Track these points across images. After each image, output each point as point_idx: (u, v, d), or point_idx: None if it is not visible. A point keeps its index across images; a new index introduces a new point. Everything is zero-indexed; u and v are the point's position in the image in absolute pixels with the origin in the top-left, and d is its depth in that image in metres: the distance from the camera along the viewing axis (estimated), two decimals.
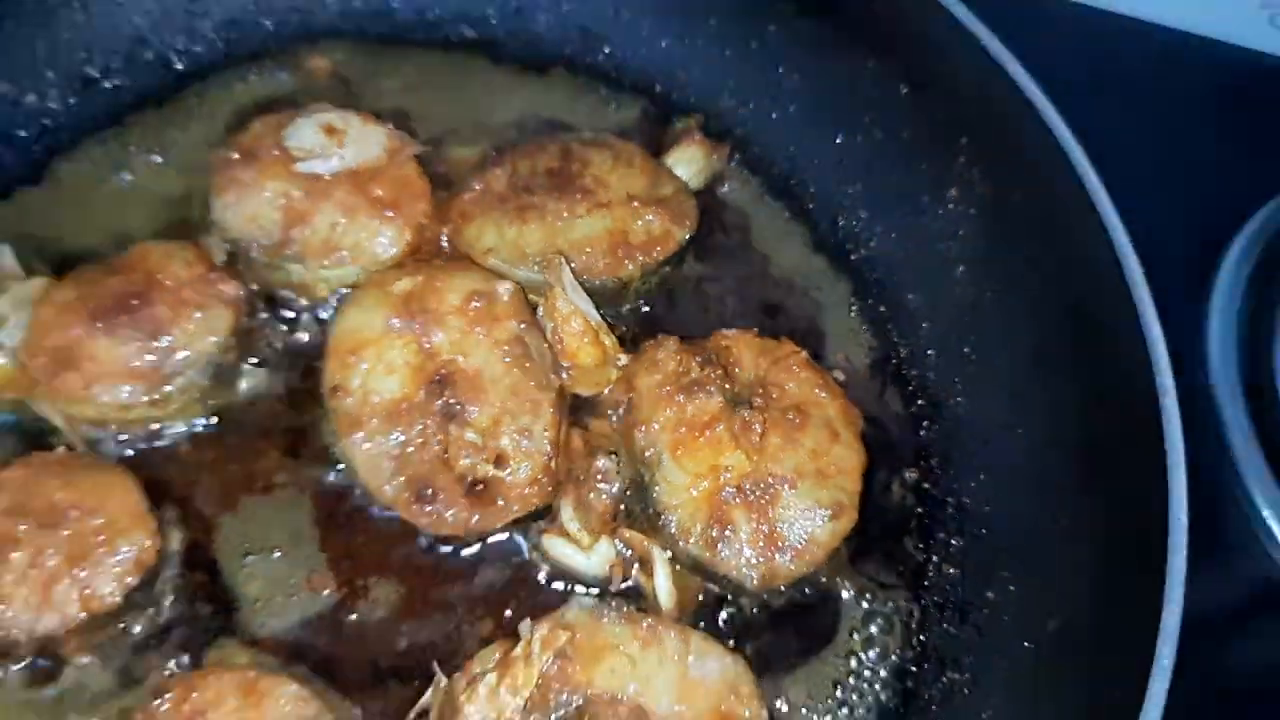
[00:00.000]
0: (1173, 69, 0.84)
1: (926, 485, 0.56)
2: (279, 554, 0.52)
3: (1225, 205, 0.77)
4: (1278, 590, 0.69)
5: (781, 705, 0.49)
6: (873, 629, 0.52)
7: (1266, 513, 0.66)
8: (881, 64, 0.60)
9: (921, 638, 0.52)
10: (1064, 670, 0.44)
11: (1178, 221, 0.77)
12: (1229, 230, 0.78)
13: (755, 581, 0.49)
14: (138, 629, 0.49)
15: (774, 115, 0.64)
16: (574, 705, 0.45)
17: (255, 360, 0.55)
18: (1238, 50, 0.84)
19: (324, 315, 0.56)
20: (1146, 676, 0.40)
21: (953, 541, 0.53)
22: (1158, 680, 0.40)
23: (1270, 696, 0.68)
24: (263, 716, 0.45)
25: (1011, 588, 0.49)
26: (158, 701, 0.46)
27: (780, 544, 0.49)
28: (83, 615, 0.47)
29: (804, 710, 0.50)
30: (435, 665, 0.47)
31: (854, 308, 0.61)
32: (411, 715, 0.47)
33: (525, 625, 0.46)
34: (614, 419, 0.53)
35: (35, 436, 0.54)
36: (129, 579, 0.47)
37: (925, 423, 0.57)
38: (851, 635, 0.52)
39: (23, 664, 0.48)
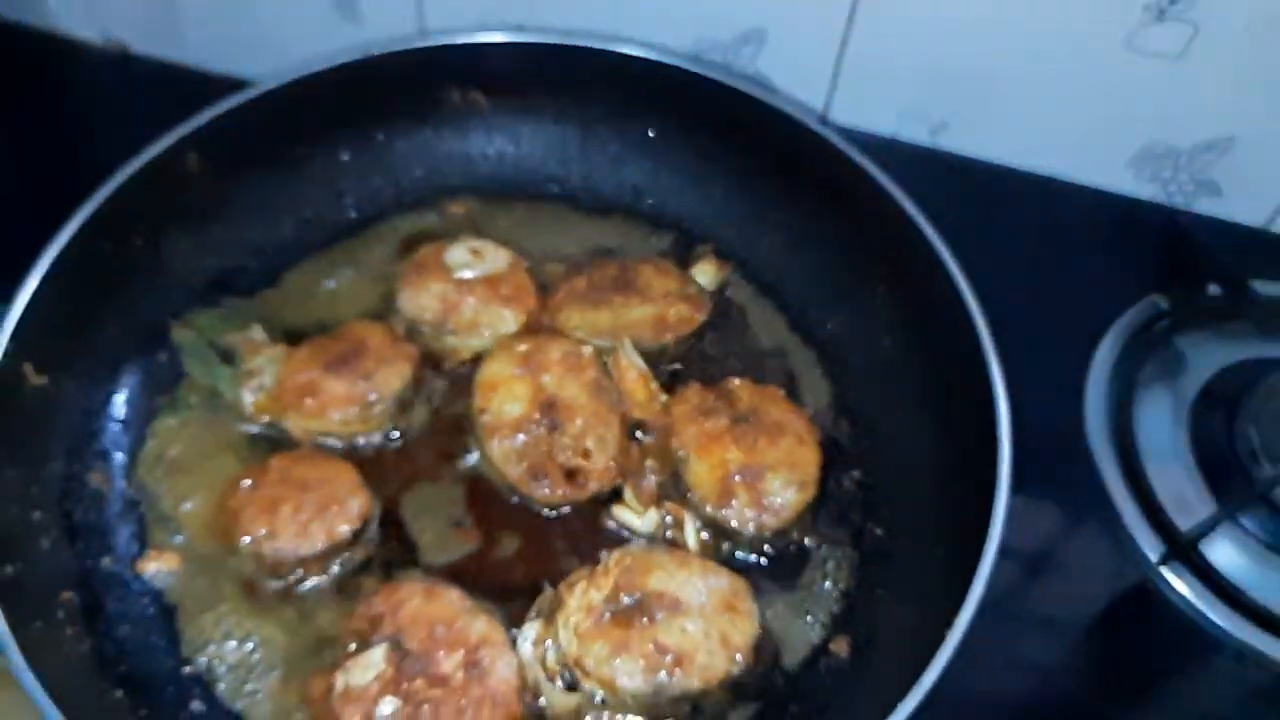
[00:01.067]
0: (1052, 209, 1.07)
1: (865, 479, 0.82)
2: (442, 517, 0.78)
3: (1099, 310, 0.98)
4: (1144, 596, 0.85)
5: (767, 615, 0.74)
6: (828, 567, 0.78)
7: (1139, 539, 0.85)
8: (831, 209, 0.89)
9: (860, 572, 0.77)
10: (949, 576, 0.69)
11: (1062, 324, 0.97)
12: (1101, 329, 0.97)
13: (751, 532, 0.76)
14: (350, 561, 0.75)
15: (764, 242, 0.94)
16: (635, 598, 0.71)
17: (424, 396, 0.84)
18: (1103, 193, 1.07)
19: (466, 370, 0.85)
20: (970, 581, 0.66)
21: (880, 512, 0.80)
22: (976, 584, 0.66)
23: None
24: (438, 608, 0.70)
25: (914, 537, 0.76)
26: (369, 601, 0.72)
27: (766, 507, 0.76)
28: (324, 545, 0.73)
29: (782, 619, 0.75)
30: (545, 583, 0.74)
31: (818, 367, 0.88)
32: (531, 613, 0.73)
33: (604, 553, 0.74)
34: (656, 433, 0.81)
35: (279, 441, 0.81)
36: (355, 523, 0.74)
37: (864, 440, 0.84)
38: (814, 572, 0.77)
39: (288, 578, 0.74)
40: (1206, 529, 0.83)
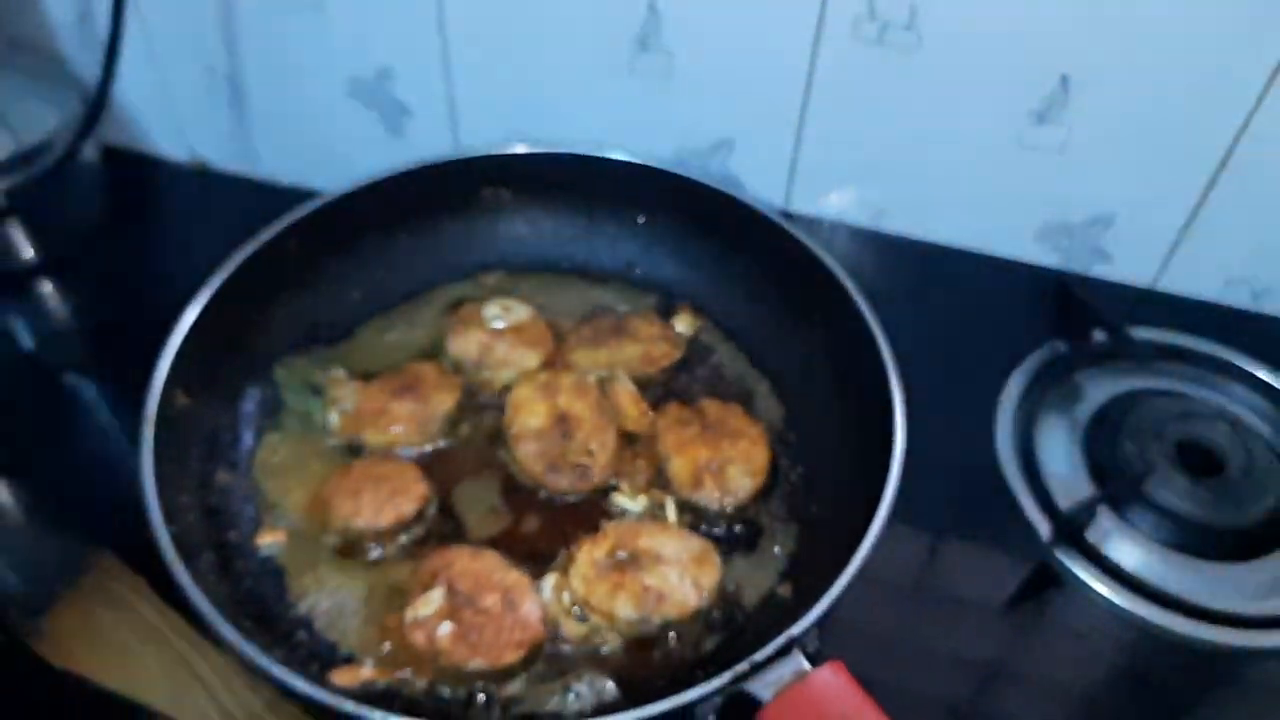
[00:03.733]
0: (972, 275, 1.27)
1: (806, 472, 1.01)
2: (483, 504, 1.00)
3: (1009, 353, 1.18)
4: (1044, 576, 1.02)
5: (730, 570, 0.94)
6: (777, 536, 0.96)
7: (1039, 531, 1.03)
8: (783, 276, 1.11)
9: (801, 540, 0.98)
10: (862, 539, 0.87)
11: (978, 364, 1.17)
12: (1010, 368, 1.16)
13: (717, 510, 0.98)
14: (414, 535, 0.97)
15: (731, 300, 1.14)
16: (628, 553, 0.92)
17: (468, 415, 1.06)
18: (1014, 262, 1.28)
19: (499, 396, 1.07)
20: (866, 532, 0.87)
21: (818, 496, 0.99)
22: (871, 532, 0.86)
23: None
24: (481, 564, 0.90)
25: (842, 513, 0.91)
26: (429, 560, 0.93)
27: (728, 490, 0.98)
28: (394, 522, 0.95)
29: (742, 573, 0.94)
30: (561, 549, 0.96)
31: (772, 393, 1.10)
32: (550, 568, 0.94)
33: (604, 524, 0.97)
34: (644, 440, 1.04)
35: (356, 450, 1.03)
36: (417, 505, 0.96)
37: (806, 444, 1.03)
38: (766, 540, 0.98)
39: (368, 547, 0.96)
40: (1085, 509, 1.02)
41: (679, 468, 1.02)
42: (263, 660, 0.82)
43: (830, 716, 0.76)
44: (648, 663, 0.91)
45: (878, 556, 0.88)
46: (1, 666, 0.92)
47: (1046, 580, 1.04)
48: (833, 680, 0.79)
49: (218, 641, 0.88)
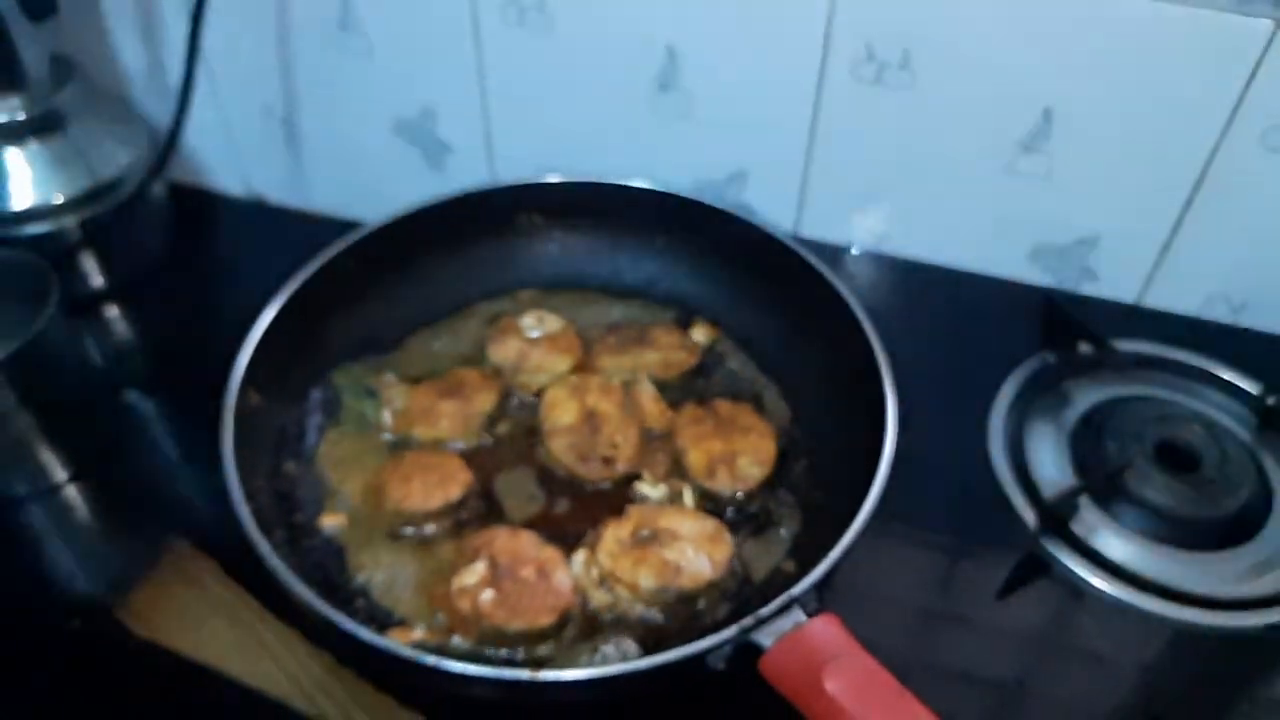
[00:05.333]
0: (969, 294, 1.37)
1: (810, 464, 1.12)
2: (521, 491, 1.11)
3: (1002, 364, 1.27)
4: (1033, 564, 1.10)
5: (740, 550, 1.04)
6: (783, 521, 1.07)
7: (1028, 523, 1.11)
8: (791, 293, 1.20)
9: (805, 524, 1.07)
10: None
11: (973, 374, 1.26)
12: (1003, 378, 1.25)
13: (728, 496, 1.10)
14: (459, 517, 1.08)
15: (743, 313, 1.27)
16: (649, 532, 1.01)
17: (507, 414, 1.19)
18: (1008, 281, 1.38)
19: (534, 397, 1.19)
20: (855, 516, 0.97)
21: (820, 485, 1.05)
22: (861, 515, 0.96)
23: None
24: (519, 542, 1.00)
25: (842, 501, 0.98)
26: (472, 539, 1.04)
27: (738, 478, 1.09)
28: (441, 505, 1.05)
29: (751, 553, 1.05)
30: (589, 530, 1.08)
31: (780, 396, 1.19)
32: (579, 546, 1.05)
33: (628, 507, 1.11)
34: (664, 436, 1.15)
35: (408, 444, 1.12)
36: (461, 490, 1.07)
37: (810, 440, 1.14)
38: (773, 524, 1.08)
39: (418, 528, 1.08)
40: (1067, 498, 1.11)
41: (695, 459, 1.13)
42: (333, 614, 0.96)
43: (824, 658, 0.89)
44: (666, 627, 1.02)
45: (875, 547, 0.97)
46: (95, 638, 1.03)
47: (1035, 569, 1.12)
48: (825, 629, 0.93)
49: (287, 609, 1.06)
